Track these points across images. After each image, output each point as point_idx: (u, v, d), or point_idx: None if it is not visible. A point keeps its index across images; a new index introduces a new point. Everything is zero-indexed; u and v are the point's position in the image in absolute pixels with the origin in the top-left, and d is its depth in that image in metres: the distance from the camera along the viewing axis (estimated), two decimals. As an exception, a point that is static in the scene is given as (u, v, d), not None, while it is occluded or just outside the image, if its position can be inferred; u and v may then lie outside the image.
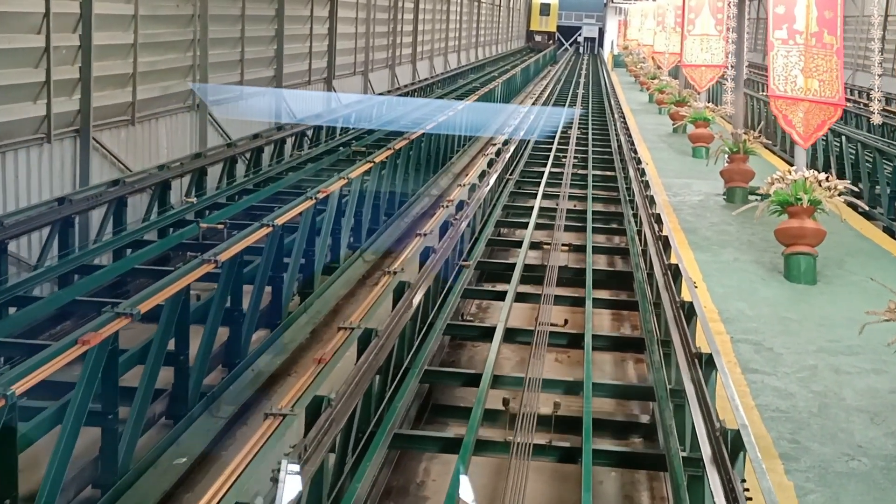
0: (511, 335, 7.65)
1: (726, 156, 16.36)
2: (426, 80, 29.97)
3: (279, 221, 8.31)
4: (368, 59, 23.70)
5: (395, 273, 6.69)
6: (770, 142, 21.75)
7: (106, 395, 5.78)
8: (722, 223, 14.47)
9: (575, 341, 7.59)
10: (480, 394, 5.85)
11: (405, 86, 26.72)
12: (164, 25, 12.20)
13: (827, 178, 11.79)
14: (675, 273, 7.46)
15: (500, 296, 8.60)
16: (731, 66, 14.09)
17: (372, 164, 11.89)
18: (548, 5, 77.99)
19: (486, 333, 7.63)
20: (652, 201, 10.90)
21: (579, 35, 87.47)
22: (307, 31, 18.58)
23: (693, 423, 5.12)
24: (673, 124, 25.34)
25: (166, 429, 6.80)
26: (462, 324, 7.87)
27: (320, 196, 9.54)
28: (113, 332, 5.53)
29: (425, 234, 8.01)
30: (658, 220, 9.74)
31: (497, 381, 6.52)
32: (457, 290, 8.06)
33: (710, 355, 5.47)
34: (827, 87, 12.36)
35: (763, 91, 32.15)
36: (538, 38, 77.64)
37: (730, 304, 10.35)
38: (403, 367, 6.37)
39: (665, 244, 8.66)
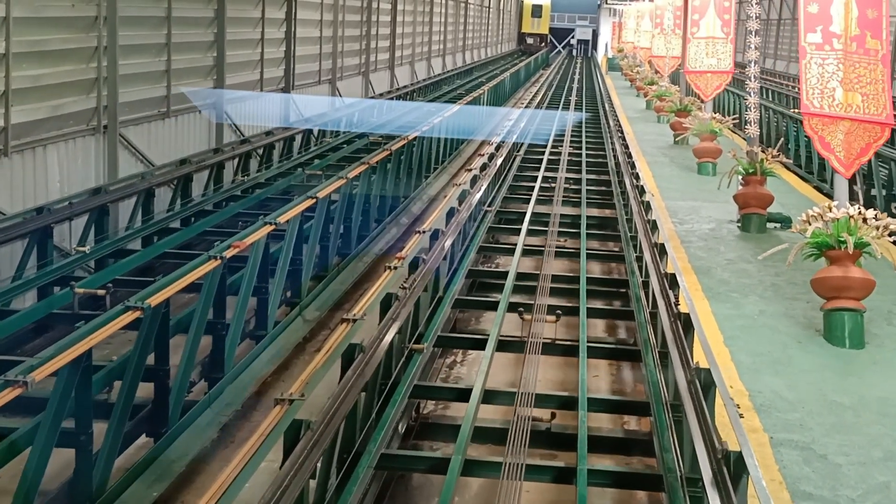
0: (472, 467, 5.42)
1: (740, 177, 14.09)
2: (405, 87, 27.68)
3: (156, 301, 6.00)
4: (337, 65, 21.38)
5: (291, 402, 4.44)
6: (786, 159, 19.46)
7: None
8: (740, 260, 12.21)
9: (565, 474, 5.37)
10: None
11: (380, 94, 24.43)
12: (54, 30, 9.87)
13: (876, 216, 9.54)
14: (705, 381, 5.19)
15: (464, 394, 6.36)
16: (754, 78, 11.77)
17: (314, 199, 9.60)
18: (539, 7, 75.89)
19: (440, 465, 5.39)
20: (662, 250, 8.66)
21: (572, 37, 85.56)
22: (258, 35, 16.27)
23: None
24: (674, 134, 23.13)
25: None
26: (404, 454, 5.61)
27: (228, 254, 7.23)
28: None
29: (355, 320, 5.73)
30: (673, 281, 7.48)
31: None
32: (399, 399, 5.80)
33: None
34: (871, 102, 10.14)
35: (772, 99, 30.06)
36: (530, 40, 75.56)
37: (762, 381, 8.11)
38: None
39: (686, 323, 6.40)
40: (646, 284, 8.75)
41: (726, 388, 5.05)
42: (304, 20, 19.05)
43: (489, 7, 56.83)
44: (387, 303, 6.30)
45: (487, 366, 6.61)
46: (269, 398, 8.21)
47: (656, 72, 33.50)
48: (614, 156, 17.55)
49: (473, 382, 6.46)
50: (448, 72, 38.39)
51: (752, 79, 11.82)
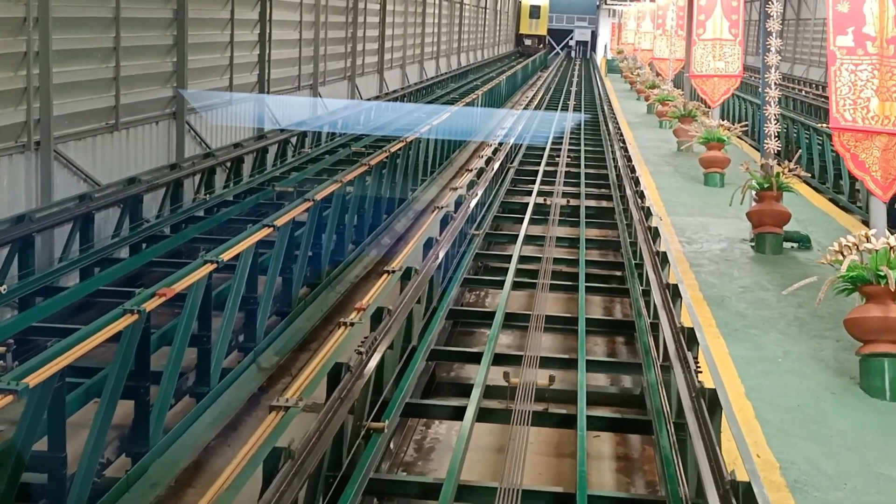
0: None
1: (754, 192, 12.81)
2: (395, 91, 26.38)
3: (37, 380, 4.65)
4: (319, 69, 20.06)
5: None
6: (804, 172, 18.16)
7: None
8: (756, 287, 10.94)
9: None
10: None
11: (367, 99, 23.13)
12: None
13: (920, 246, 8.26)
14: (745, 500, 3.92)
15: (433, 490, 5.11)
16: (774, 85, 10.47)
17: (272, 228, 8.31)
18: (538, 7, 74.68)
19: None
20: (677, 292, 7.38)
21: (571, 39, 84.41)
22: (227, 38, 14.95)
23: None
24: (678, 141, 21.88)
25: None
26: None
27: (150, 306, 5.92)
28: None
29: (287, 408, 4.44)
30: (691, 338, 6.21)
31: None
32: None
33: None
34: (912, 113, 8.87)
35: (778, 102, 28.73)
36: (528, 42, 74.36)
37: (794, 447, 6.85)
38: None
39: (713, 400, 5.13)
40: (655, 327, 7.51)
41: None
42: (282, 21, 17.75)
43: (485, 7, 55.54)
44: (335, 375, 5.02)
45: (464, 448, 5.32)
46: (208, 471, 6.94)
47: (658, 74, 32.30)
48: (615, 166, 16.30)
49: (451, 447, 5.21)
50: (442, 75, 37.13)
51: (772, 86, 10.50)
